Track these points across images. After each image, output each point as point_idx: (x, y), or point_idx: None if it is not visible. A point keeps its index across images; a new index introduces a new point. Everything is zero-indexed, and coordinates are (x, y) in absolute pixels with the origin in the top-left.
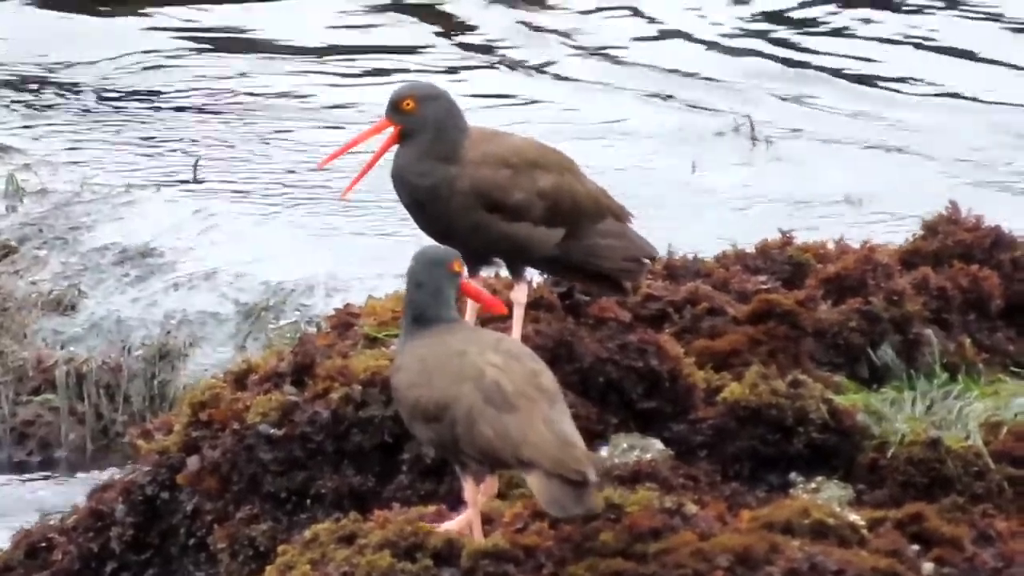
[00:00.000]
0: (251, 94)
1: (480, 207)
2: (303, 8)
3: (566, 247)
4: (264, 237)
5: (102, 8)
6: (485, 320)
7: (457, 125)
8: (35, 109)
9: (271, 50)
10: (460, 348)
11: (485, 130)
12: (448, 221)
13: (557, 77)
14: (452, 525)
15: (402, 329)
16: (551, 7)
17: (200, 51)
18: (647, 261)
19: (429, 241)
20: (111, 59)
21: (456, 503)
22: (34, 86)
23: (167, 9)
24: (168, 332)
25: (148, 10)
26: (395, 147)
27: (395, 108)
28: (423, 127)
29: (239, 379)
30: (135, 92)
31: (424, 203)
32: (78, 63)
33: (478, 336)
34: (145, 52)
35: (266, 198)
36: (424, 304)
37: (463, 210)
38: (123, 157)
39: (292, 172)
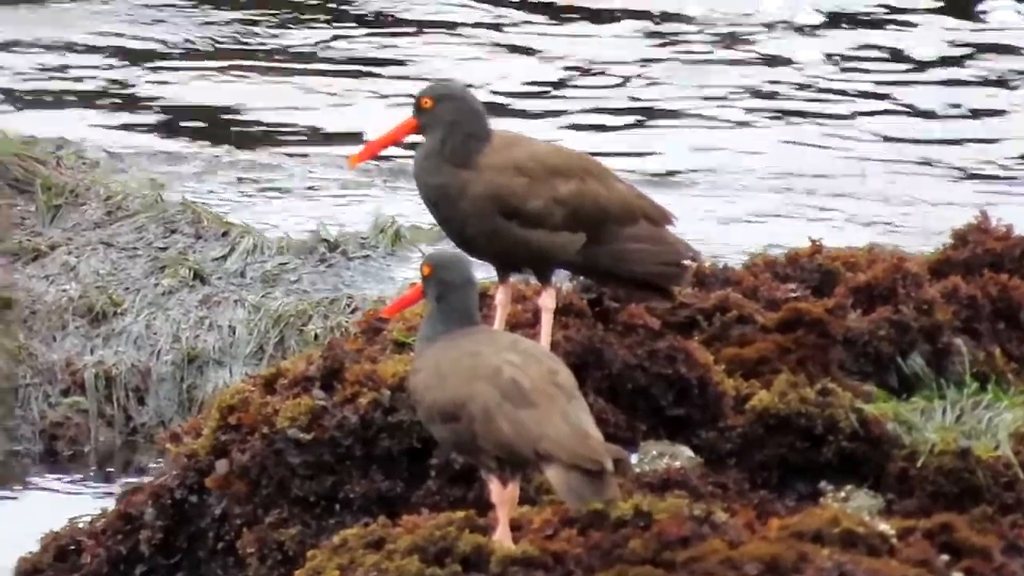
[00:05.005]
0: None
1: (496, 214)
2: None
3: (590, 252)
4: (295, 248)
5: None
6: (514, 326)
7: (473, 129)
8: (73, 111)
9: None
10: (474, 349)
11: (509, 136)
12: (462, 226)
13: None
14: (497, 535)
15: (420, 334)
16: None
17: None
18: (687, 263)
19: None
20: (150, 68)
21: (485, 508)
22: (70, 89)
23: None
24: (197, 336)
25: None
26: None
27: (416, 105)
28: (436, 126)
29: (268, 383)
30: (176, 104)
31: (436, 203)
32: (113, 66)
33: (494, 338)
34: (186, 64)
35: (299, 200)
36: (447, 309)
37: (477, 216)
38: (158, 165)
39: (322, 182)
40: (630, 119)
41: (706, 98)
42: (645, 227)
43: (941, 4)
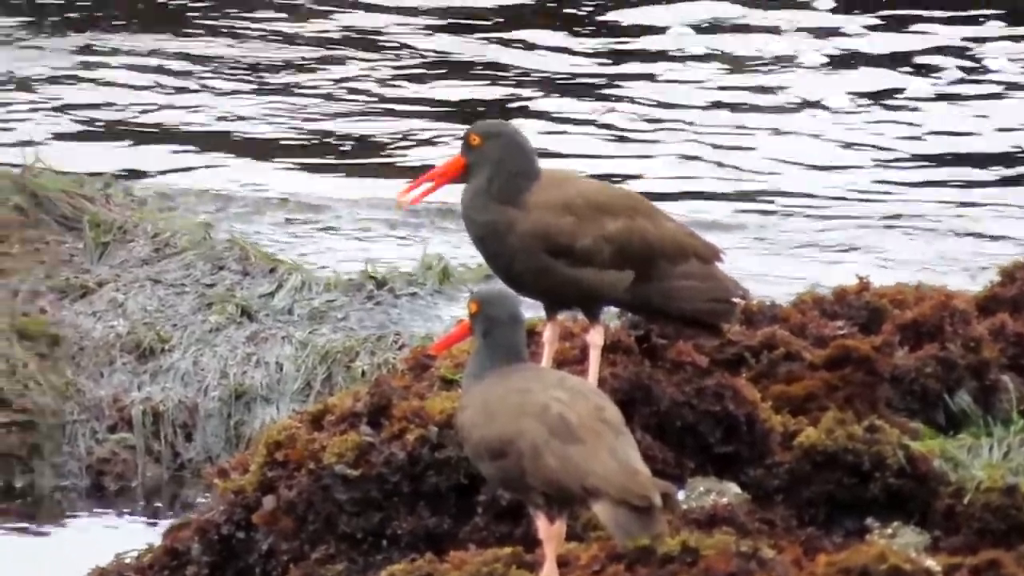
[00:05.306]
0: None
1: (543, 252)
2: None
3: (639, 290)
4: (342, 286)
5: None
6: (561, 363)
7: (521, 168)
8: (128, 149)
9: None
10: (522, 386)
11: (557, 173)
12: (510, 263)
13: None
14: (544, 572)
15: (467, 370)
16: None
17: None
18: (737, 301)
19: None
20: (207, 104)
21: (532, 545)
22: (125, 125)
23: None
24: (244, 372)
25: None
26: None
27: (464, 142)
28: (484, 164)
29: (315, 419)
30: (225, 143)
31: (483, 240)
32: (164, 105)
33: (541, 375)
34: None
35: (347, 239)
36: (494, 346)
37: (525, 254)
38: (206, 205)
39: (370, 223)
40: (669, 162)
41: (744, 139)
42: (695, 264)
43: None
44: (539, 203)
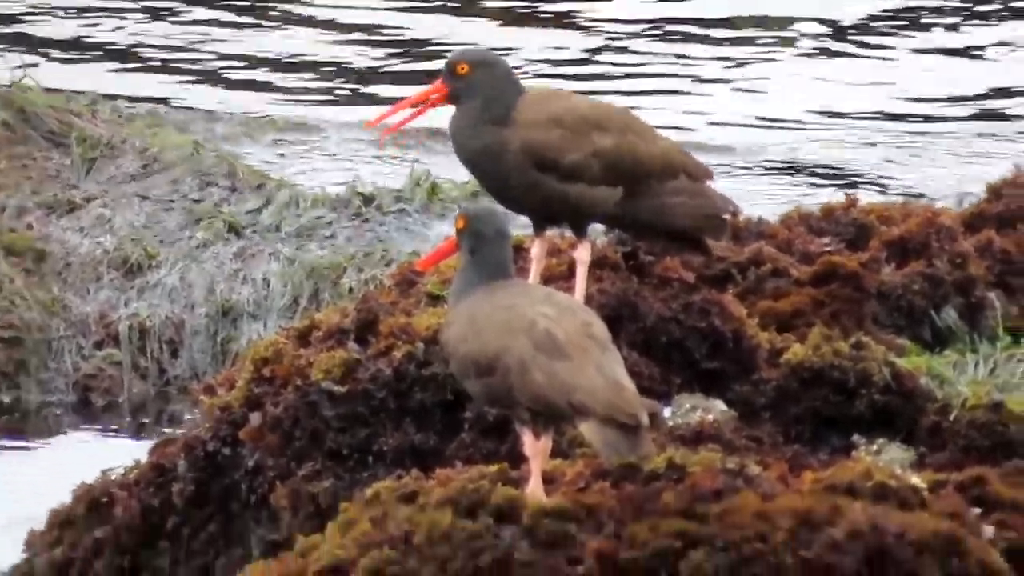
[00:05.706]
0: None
1: (532, 167)
2: None
3: (628, 206)
4: (330, 202)
5: None
6: (548, 279)
7: (509, 90)
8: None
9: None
10: (508, 302)
11: (544, 91)
12: (503, 181)
13: None
14: (529, 488)
15: (453, 287)
16: None
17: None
18: (727, 218)
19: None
20: (191, 20)
21: (518, 461)
22: (114, 42)
23: None
24: (232, 288)
25: None
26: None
27: (450, 72)
28: (475, 91)
29: (302, 336)
30: (215, 63)
31: (477, 164)
32: (155, 18)
33: (528, 291)
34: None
35: (335, 160)
36: (481, 262)
37: (516, 170)
38: (195, 124)
39: (359, 144)
40: (662, 89)
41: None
42: (685, 181)
43: None
44: (527, 119)
